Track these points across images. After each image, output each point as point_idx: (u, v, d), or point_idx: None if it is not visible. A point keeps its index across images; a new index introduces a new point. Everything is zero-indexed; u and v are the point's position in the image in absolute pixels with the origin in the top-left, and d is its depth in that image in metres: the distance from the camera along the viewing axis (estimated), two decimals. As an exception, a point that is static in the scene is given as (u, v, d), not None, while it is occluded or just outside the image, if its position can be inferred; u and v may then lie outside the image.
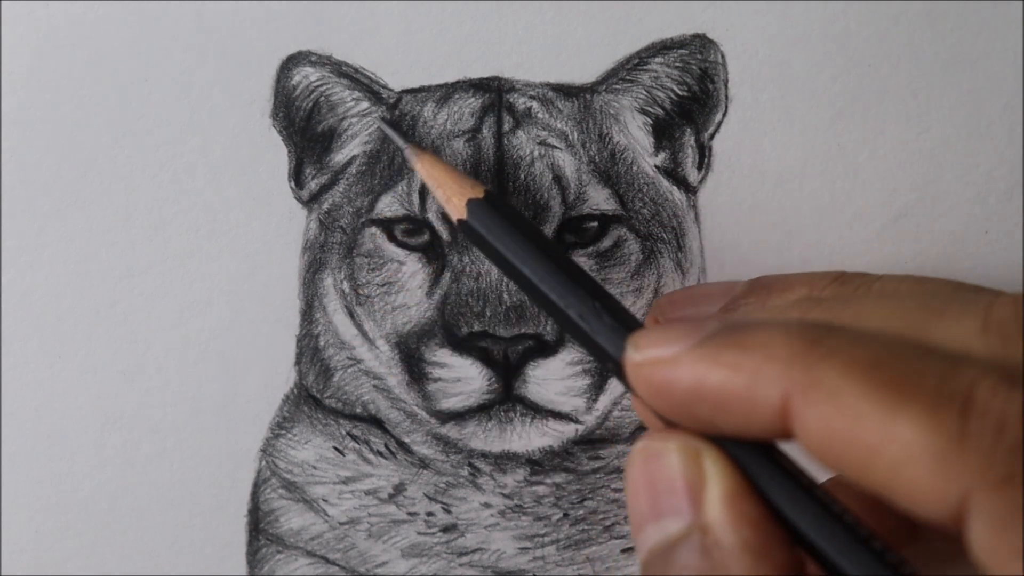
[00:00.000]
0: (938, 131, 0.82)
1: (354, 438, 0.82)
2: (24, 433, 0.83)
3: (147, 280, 0.82)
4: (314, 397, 0.82)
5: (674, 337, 0.57)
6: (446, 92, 0.81)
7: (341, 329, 0.81)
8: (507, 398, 0.77)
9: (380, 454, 0.82)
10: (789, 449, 0.57)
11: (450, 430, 0.79)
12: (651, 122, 0.81)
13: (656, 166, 0.81)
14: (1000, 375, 0.50)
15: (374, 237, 0.80)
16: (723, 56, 0.81)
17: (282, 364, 0.82)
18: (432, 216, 0.78)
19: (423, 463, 0.82)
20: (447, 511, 0.82)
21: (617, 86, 0.81)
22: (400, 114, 0.80)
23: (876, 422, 0.49)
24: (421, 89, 0.81)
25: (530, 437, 0.79)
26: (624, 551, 0.82)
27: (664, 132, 0.81)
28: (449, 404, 0.78)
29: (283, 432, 0.83)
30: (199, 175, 0.82)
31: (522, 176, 0.79)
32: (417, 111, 0.80)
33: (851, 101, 0.81)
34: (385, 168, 0.80)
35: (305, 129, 0.81)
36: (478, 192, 0.70)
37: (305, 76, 0.81)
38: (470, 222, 0.69)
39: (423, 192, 0.79)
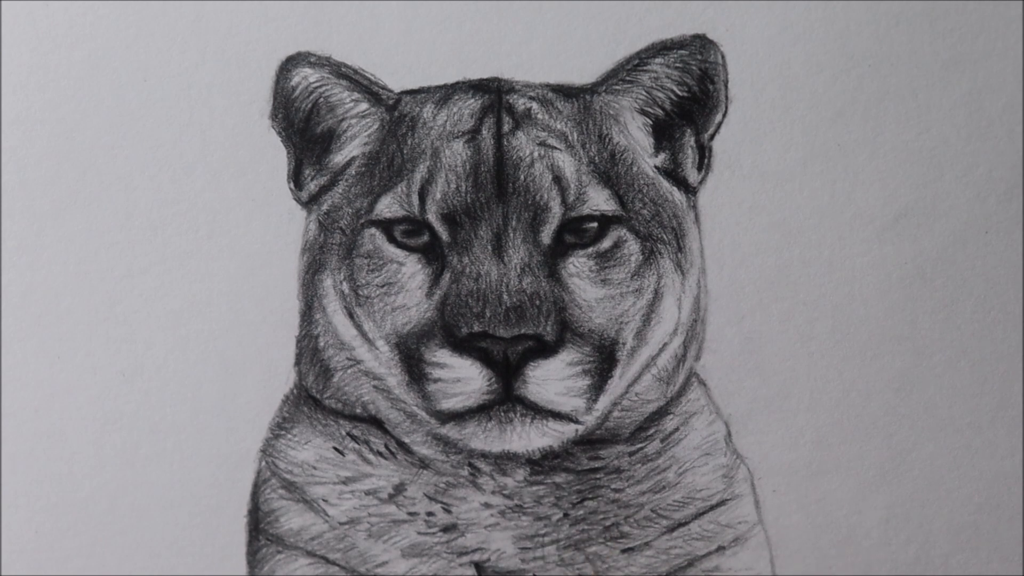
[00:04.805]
0: (938, 131, 0.82)
1: (354, 438, 0.82)
2: (24, 433, 0.83)
3: (147, 280, 0.83)
4: (314, 398, 0.82)
5: None
6: (446, 93, 0.81)
7: (341, 330, 0.81)
8: (507, 398, 0.77)
9: (380, 454, 0.82)
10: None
11: (450, 430, 0.79)
12: (651, 123, 0.81)
13: (656, 167, 0.81)
14: None
15: (373, 238, 0.80)
16: (723, 56, 0.81)
17: (282, 365, 0.82)
18: (431, 217, 0.78)
19: (423, 463, 0.82)
20: (447, 511, 0.82)
21: (617, 87, 0.81)
22: (400, 115, 0.81)
23: None
24: (421, 90, 0.81)
25: (530, 437, 0.79)
26: (624, 551, 0.82)
27: (664, 133, 0.81)
28: (449, 404, 0.78)
29: (283, 432, 0.83)
30: (199, 175, 0.82)
31: (522, 177, 0.79)
32: (417, 112, 0.80)
33: (851, 101, 0.81)
34: (384, 169, 0.80)
35: (304, 130, 0.81)
36: None
37: (304, 77, 0.81)
38: None
39: (423, 193, 0.79)
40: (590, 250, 0.79)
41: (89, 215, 0.82)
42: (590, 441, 0.81)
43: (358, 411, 0.82)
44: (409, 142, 0.80)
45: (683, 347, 0.82)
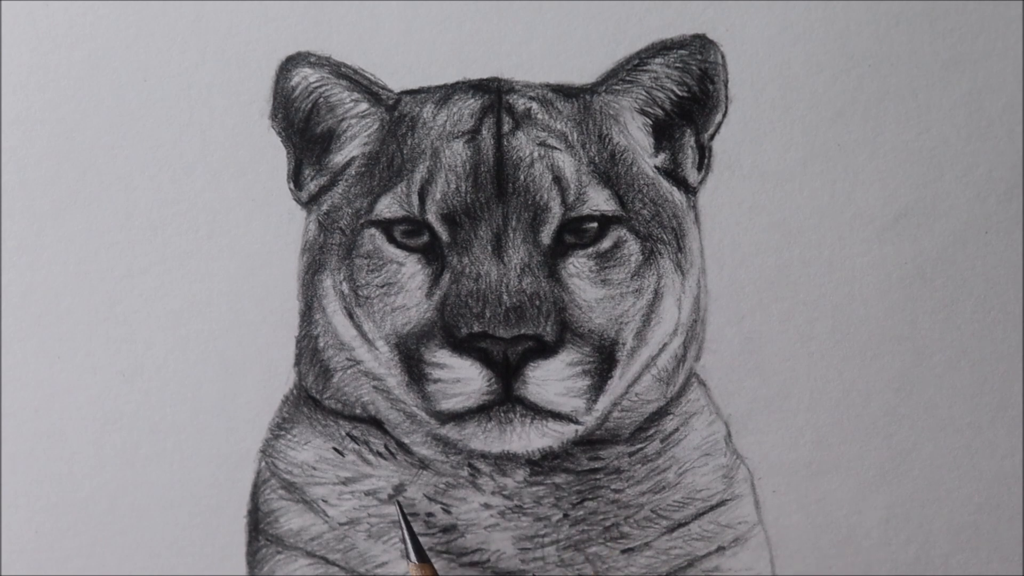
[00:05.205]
0: (938, 131, 0.81)
1: (354, 439, 0.82)
2: (24, 433, 0.83)
3: (147, 280, 0.82)
4: (314, 398, 0.82)
5: None
6: (445, 93, 0.81)
7: (340, 330, 0.81)
8: (507, 399, 0.77)
9: (380, 455, 0.82)
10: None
11: (450, 431, 0.79)
12: (651, 123, 0.81)
13: (656, 167, 0.81)
14: None
15: (373, 238, 0.80)
16: (723, 56, 0.81)
17: (282, 365, 0.82)
18: (431, 217, 0.78)
19: (423, 464, 0.82)
20: (447, 512, 0.82)
21: (617, 87, 0.81)
22: (400, 115, 0.80)
23: None
24: (421, 90, 0.81)
25: (530, 438, 0.79)
26: (624, 552, 0.82)
27: (664, 133, 0.81)
28: (449, 405, 0.78)
29: (283, 433, 0.83)
30: (199, 175, 0.82)
31: (522, 177, 0.79)
32: (416, 112, 0.80)
33: (851, 101, 0.81)
34: (384, 169, 0.80)
35: (304, 130, 0.81)
36: None
37: (304, 77, 0.81)
38: None
39: (422, 193, 0.79)
40: (590, 250, 0.79)
41: (89, 215, 0.82)
42: (590, 441, 0.81)
43: (358, 411, 0.82)
44: (409, 142, 0.80)
45: (683, 347, 0.82)
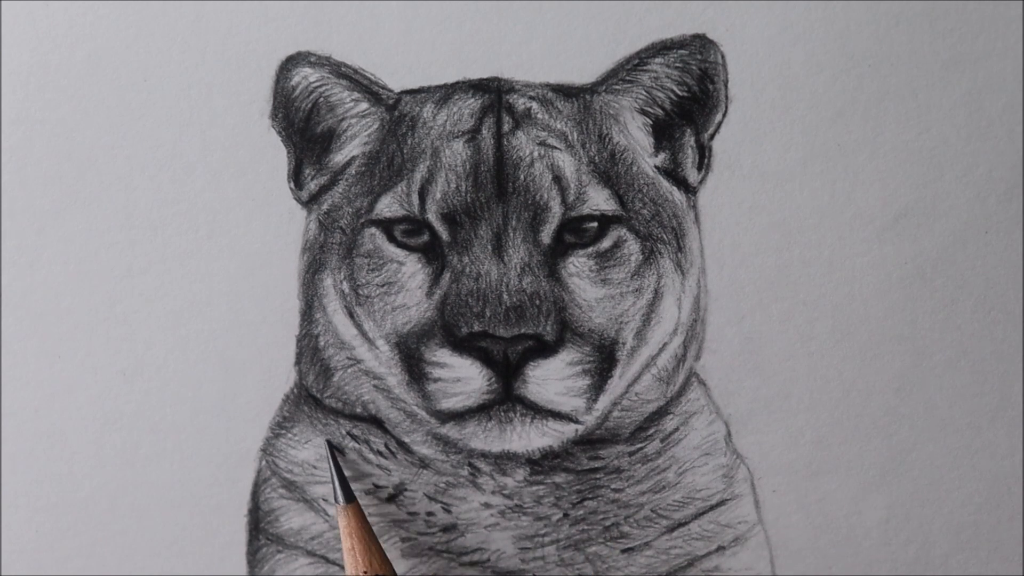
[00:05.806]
0: (938, 131, 0.81)
1: (354, 438, 0.82)
2: (24, 433, 0.83)
3: (147, 280, 0.82)
4: (314, 397, 0.82)
5: None
6: (446, 93, 0.81)
7: (341, 329, 0.81)
8: (507, 398, 0.77)
9: (380, 454, 0.82)
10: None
11: (450, 430, 0.79)
12: (651, 122, 0.81)
13: (656, 166, 0.81)
14: None
15: (374, 237, 0.80)
16: (723, 56, 0.81)
17: (282, 364, 0.82)
18: (431, 216, 0.78)
19: (423, 463, 0.82)
20: (447, 511, 0.82)
21: (617, 86, 0.81)
22: (400, 115, 0.81)
23: None
24: (421, 90, 0.81)
25: (530, 437, 0.79)
26: (624, 551, 0.82)
27: (664, 132, 0.81)
28: (449, 404, 0.78)
29: (283, 432, 0.83)
30: (199, 175, 0.82)
31: (522, 176, 0.79)
32: (417, 112, 0.80)
33: (851, 101, 0.81)
34: (384, 169, 0.80)
35: (304, 130, 0.81)
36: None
37: (304, 77, 0.81)
38: None
39: (423, 192, 0.79)
40: (590, 250, 0.79)
41: (89, 215, 0.82)
42: (590, 441, 0.81)
43: (358, 410, 0.82)
44: (409, 142, 0.80)
45: (683, 347, 0.82)
